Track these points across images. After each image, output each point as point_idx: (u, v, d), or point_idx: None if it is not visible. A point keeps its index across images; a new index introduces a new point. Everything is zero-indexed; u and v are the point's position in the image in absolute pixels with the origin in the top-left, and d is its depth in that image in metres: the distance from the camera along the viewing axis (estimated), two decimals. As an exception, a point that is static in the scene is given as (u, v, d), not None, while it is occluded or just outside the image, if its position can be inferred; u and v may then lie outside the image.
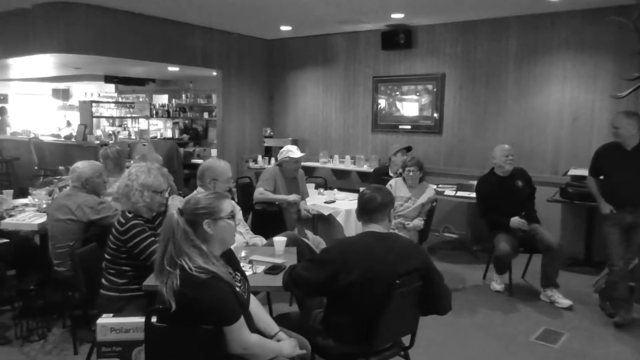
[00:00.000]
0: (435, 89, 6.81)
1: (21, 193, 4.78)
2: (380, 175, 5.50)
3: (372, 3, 5.73)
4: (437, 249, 6.16)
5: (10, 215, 3.90)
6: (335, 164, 7.54)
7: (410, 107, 7.09)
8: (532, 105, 6.10)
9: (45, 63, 8.04)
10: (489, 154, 4.90)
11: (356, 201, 2.54)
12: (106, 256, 2.75)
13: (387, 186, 4.64)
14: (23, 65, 8.35)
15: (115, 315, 2.46)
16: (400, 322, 2.44)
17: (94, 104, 10.20)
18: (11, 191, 4.59)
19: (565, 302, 4.26)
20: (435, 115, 6.83)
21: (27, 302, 3.75)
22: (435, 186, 5.32)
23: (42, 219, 3.79)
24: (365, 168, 7.13)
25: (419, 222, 4.56)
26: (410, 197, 4.66)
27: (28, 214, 4.01)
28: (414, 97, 7.03)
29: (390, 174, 5.52)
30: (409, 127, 7.08)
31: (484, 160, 5.99)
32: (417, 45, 6.89)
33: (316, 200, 5.20)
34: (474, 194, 4.95)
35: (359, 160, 7.27)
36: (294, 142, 7.58)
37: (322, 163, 7.62)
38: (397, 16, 6.34)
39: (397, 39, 6.88)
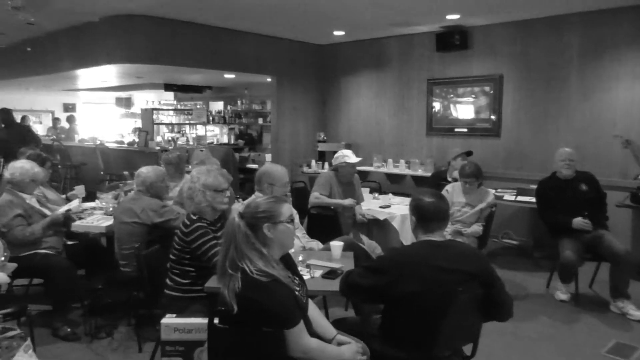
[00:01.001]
0: (492, 91, 6.62)
1: (88, 196, 5.03)
2: (438, 180, 5.39)
3: (426, 5, 5.65)
4: (496, 256, 5.97)
5: (80, 218, 4.11)
6: (389, 168, 7.47)
7: (466, 109, 6.93)
8: (597, 105, 5.81)
9: (110, 73, 8.44)
10: (550, 157, 4.72)
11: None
12: (171, 257, 2.84)
13: (444, 191, 4.55)
14: (89, 75, 8.82)
15: (179, 315, 2.53)
16: (461, 331, 2.37)
17: (154, 112, 10.61)
18: (82, 186, 4.79)
19: (638, 314, 4.01)
20: (493, 117, 6.64)
21: (95, 301, 3.94)
22: (494, 191, 5.16)
23: (109, 221, 3.97)
24: (420, 172, 7.02)
25: (477, 228, 4.43)
26: (468, 202, 4.53)
27: (96, 216, 4.22)
28: (470, 99, 6.86)
29: (449, 178, 5.40)
30: (465, 130, 6.92)
31: (545, 163, 5.77)
32: (473, 46, 6.73)
33: (371, 204, 5.16)
34: (535, 199, 4.76)
35: (414, 164, 7.17)
36: (347, 147, 7.55)
37: (376, 167, 7.57)
38: (453, 17, 6.22)
39: (452, 40, 6.75)
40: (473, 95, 6.83)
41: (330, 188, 4.64)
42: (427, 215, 2.34)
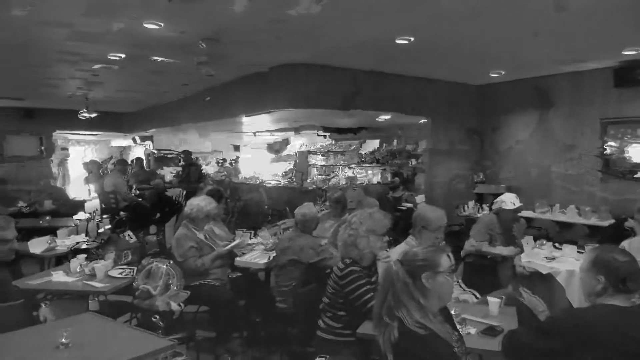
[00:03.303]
0: (688, 130, 5.73)
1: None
2: (622, 231, 4.72)
3: (600, 41, 5.15)
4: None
5: (243, 254, 4.42)
6: (555, 215, 6.77)
7: (650, 151, 6.09)
8: None
9: (269, 118, 9.12)
10: None
11: (582, 261, 2.21)
12: (325, 299, 2.87)
13: (620, 247, 3.96)
14: (253, 120, 9.64)
15: (331, 358, 2.53)
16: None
17: (309, 154, 11.20)
18: (249, 233, 5.10)
19: None
20: (688, 160, 5.72)
21: (253, 332, 4.14)
22: (691, 247, 4.35)
23: (268, 257, 4.20)
24: (594, 221, 6.24)
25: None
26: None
27: (257, 252, 4.50)
28: (656, 139, 6.02)
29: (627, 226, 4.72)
30: (650, 174, 6.05)
31: None
32: (661, 80, 5.93)
33: (533, 255, 4.71)
34: None
35: (585, 212, 6.41)
36: (508, 189, 7.09)
37: (540, 213, 6.93)
38: (630, 52, 5.59)
39: (633, 75, 6.03)
40: (659, 135, 5.98)
41: (490, 234, 4.35)
42: (622, 275, 2.06)
